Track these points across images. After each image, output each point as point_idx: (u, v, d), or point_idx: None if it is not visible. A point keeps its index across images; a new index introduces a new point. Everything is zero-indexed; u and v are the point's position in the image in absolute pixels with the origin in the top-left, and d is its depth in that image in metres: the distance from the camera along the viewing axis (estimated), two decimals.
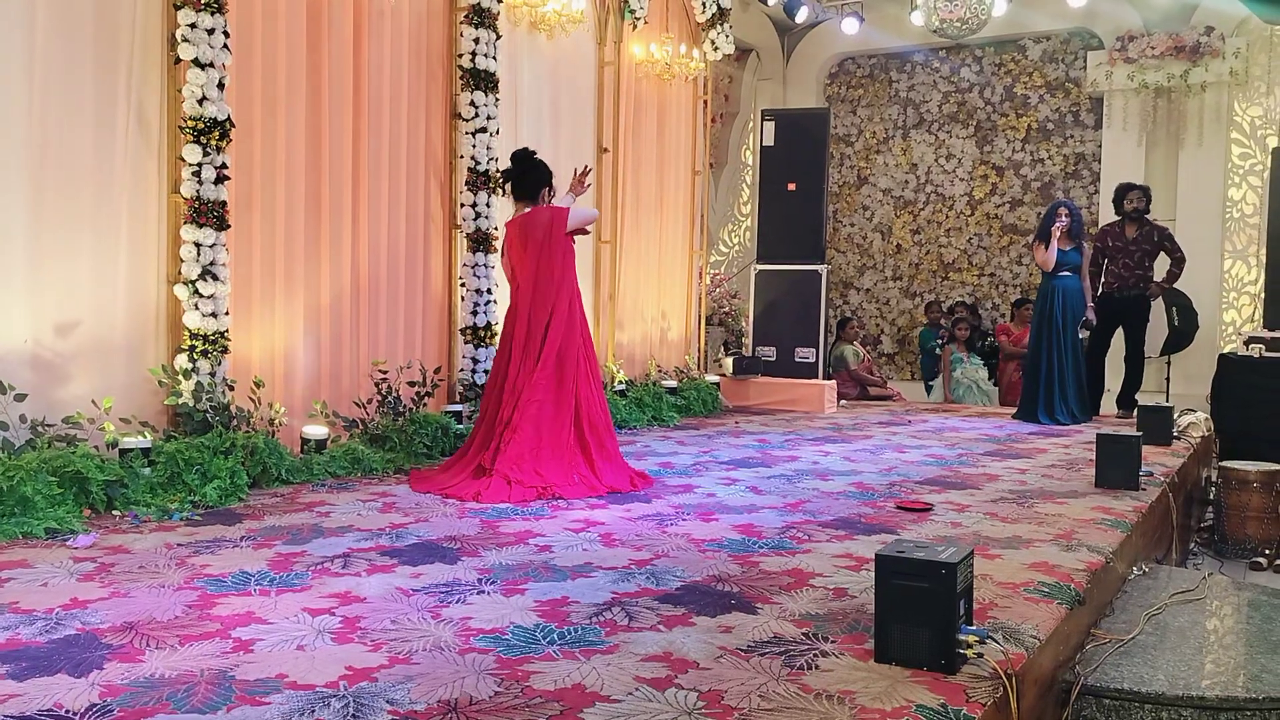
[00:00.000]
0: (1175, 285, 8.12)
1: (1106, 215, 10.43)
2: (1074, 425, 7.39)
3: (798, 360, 8.60)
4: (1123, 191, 7.90)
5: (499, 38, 5.98)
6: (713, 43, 8.38)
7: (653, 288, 8.07)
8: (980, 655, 2.26)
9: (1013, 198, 11.51)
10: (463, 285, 5.92)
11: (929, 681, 2.17)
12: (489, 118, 5.92)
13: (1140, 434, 5.06)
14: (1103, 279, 7.94)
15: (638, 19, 7.44)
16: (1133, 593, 3.60)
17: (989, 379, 9.83)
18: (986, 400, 9.60)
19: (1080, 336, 7.65)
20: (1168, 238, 7.88)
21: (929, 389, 10.36)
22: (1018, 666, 2.28)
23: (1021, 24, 10.85)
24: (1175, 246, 7.86)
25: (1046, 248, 7.42)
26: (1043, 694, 2.53)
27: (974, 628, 2.33)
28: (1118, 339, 8.01)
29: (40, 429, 3.84)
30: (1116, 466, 4.73)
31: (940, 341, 10.23)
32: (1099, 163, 10.85)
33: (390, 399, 5.32)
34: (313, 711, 1.98)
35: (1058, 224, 7.39)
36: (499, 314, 6.04)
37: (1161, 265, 7.91)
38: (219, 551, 3.28)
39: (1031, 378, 7.65)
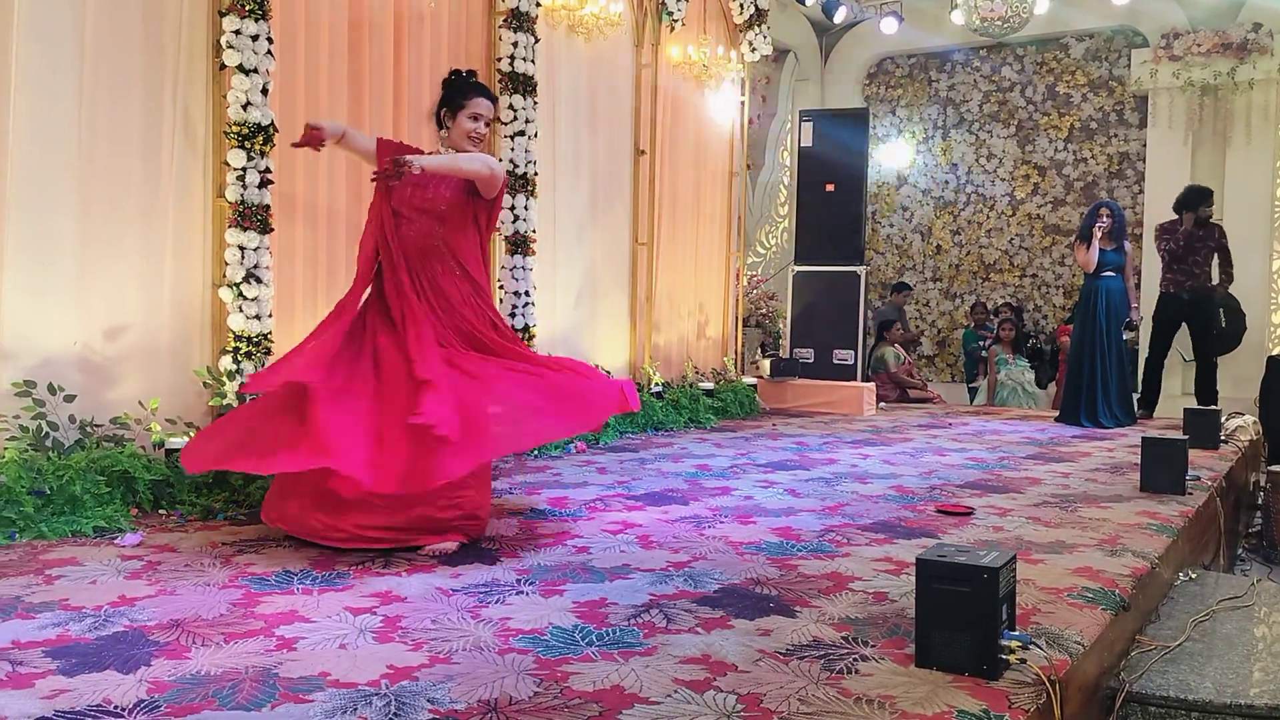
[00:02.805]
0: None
1: (1151, 215, 10.31)
2: (1118, 428, 7.29)
3: (836, 362, 8.56)
4: (1203, 197, 7.77)
5: (537, 41, 6.01)
6: (750, 44, 8.37)
7: (689, 289, 8.07)
8: (1023, 661, 2.24)
9: (1055, 198, 11.38)
10: (501, 288, 5.95)
11: (971, 687, 2.15)
12: (527, 121, 5.94)
13: (1187, 437, 4.98)
14: (1166, 279, 7.83)
15: (675, 21, 7.44)
16: (1179, 599, 3.54)
17: (1035, 381, 9.72)
18: (1033, 403, 9.49)
19: (1124, 338, 7.55)
20: (1224, 237, 7.78)
21: (972, 392, 10.26)
22: (1061, 673, 2.26)
23: (1064, 22, 10.73)
24: (1228, 250, 7.76)
25: (1088, 248, 7.32)
26: (1087, 701, 2.50)
27: (1017, 633, 2.30)
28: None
29: (89, 429, 3.91)
30: (1162, 470, 4.65)
31: (983, 343, 10.14)
32: (1143, 162, 10.71)
33: None
34: (355, 709, 2.00)
35: (1099, 224, 7.30)
36: (538, 316, 6.07)
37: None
38: (262, 550, 3.33)
39: (1074, 380, 7.55)
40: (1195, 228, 7.70)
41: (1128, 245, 7.55)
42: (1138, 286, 8.69)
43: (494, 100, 3.87)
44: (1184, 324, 7.86)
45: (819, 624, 2.60)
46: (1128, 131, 10.97)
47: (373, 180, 3.70)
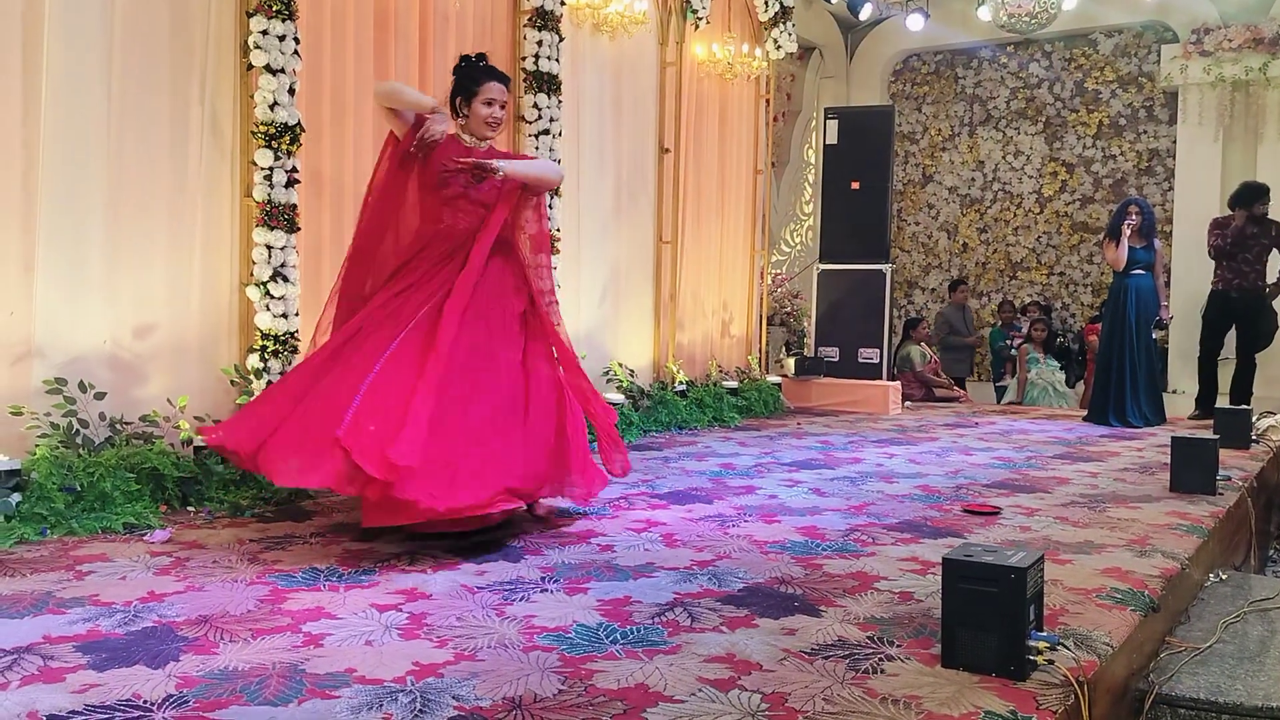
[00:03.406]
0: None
1: (1181, 212, 10.21)
2: (1147, 428, 7.21)
3: (861, 361, 8.52)
4: (1257, 194, 7.66)
5: (562, 40, 6.02)
6: (775, 41, 8.34)
7: (713, 288, 8.06)
8: (1051, 662, 2.22)
9: (1083, 195, 11.28)
10: None
11: (998, 688, 2.14)
12: (552, 120, 5.95)
13: (1217, 437, 4.92)
14: (1217, 276, 7.75)
15: (700, 19, 7.43)
16: (1209, 600, 3.50)
17: (1066, 381, 9.63)
18: (1063, 402, 9.41)
19: (1154, 337, 7.48)
20: None
21: (999, 390, 10.19)
22: (1090, 674, 2.24)
23: (1092, 18, 10.62)
24: None
25: (1117, 246, 7.25)
26: (1115, 702, 2.48)
27: (1044, 634, 2.29)
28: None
29: (119, 427, 3.95)
30: (1193, 470, 4.60)
31: (1010, 342, 10.06)
32: (1173, 159, 10.59)
33: None
34: (381, 706, 2.01)
35: (1128, 221, 7.23)
36: (562, 314, 6.06)
37: (1273, 264, 7.71)
38: (289, 547, 3.35)
39: (1102, 379, 7.48)
40: (1248, 224, 7.59)
41: (1157, 243, 7.47)
42: (1167, 285, 8.61)
43: (506, 81, 3.77)
44: (1234, 322, 7.77)
45: (844, 623, 2.59)
46: (1157, 128, 10.86)
47: (446, 174, 3.61)
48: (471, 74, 3.71)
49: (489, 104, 3.67)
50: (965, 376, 10.43)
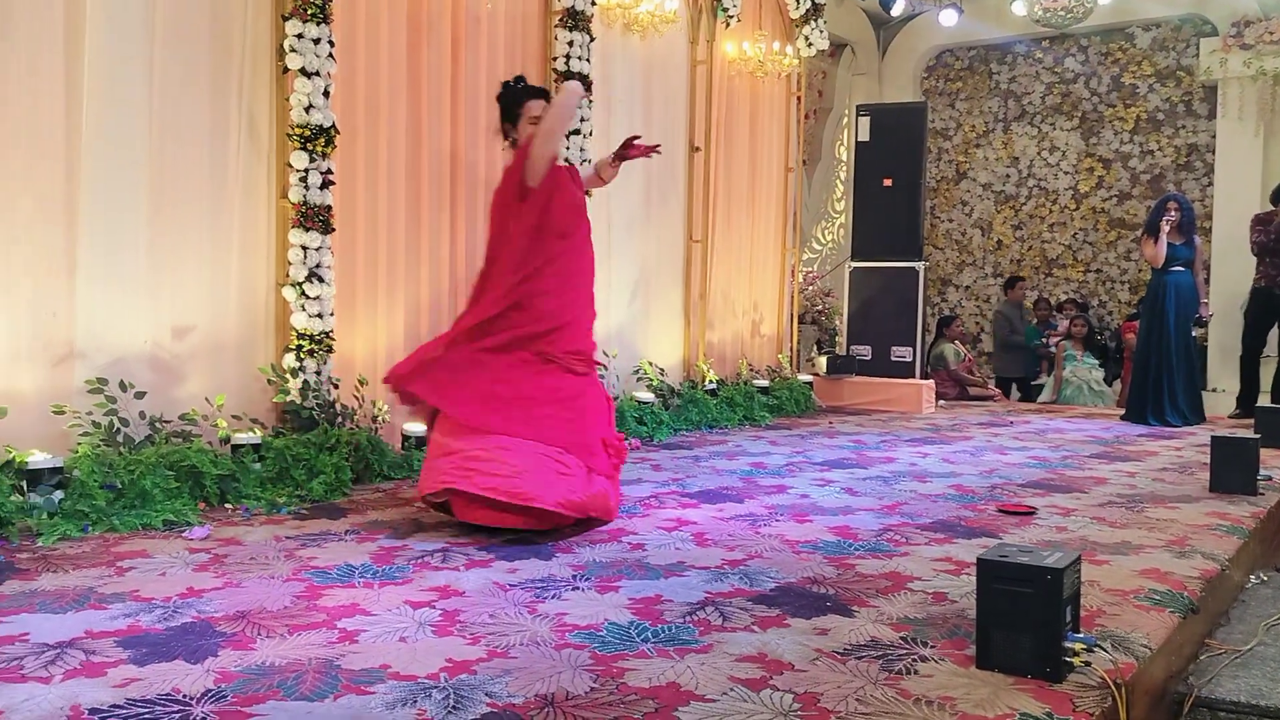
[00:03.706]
0: None
1: (1221, 208, 10.05)
2: (1186, 427, 7.12)
3: (894, 359, 8.46)
4: None
5: (593, 40, 6.03)
6: (806, 39, 8.31)
7: (744, 286, 8.04)
8: (1088, 664, 2.20)
9: (1120, 191, 11.14)
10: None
11: (1033, 689, 2.12)
12: (582, 119, 5.97)
13: (1259, 436, 4.85)
14: (1259, 273, 7.63)
15: (730, 17, 7.42)
16: (1250, 602, 3.45)
17: (1104, 379, 9.50)
18: (1100, 401, 9.29)
19: (1194, 334, 7.37)
20: None
21: (1035, 389, 10.08)
22: (1127, 676, 2.21)
23: (1129, 11, 10.49)
24: None
25: (1156, 242, 7.16)
26: (1154, 705, 2.45)
27: (1081, 635, 2.26)
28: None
29: (158, 425, 4.01)
30: (1233, 470, 4.54)
31: (1046, 340, 9.95)
32: (1212, 154, 10.43)
33: None
34: (415, 702, 2.03)
35: (1167, 218, 7.13)
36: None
37: None
38: (325, 545, 3.39)
39: (1140, 378, 7.39)
40: None
41: (1196, 239, 7.36)
42: (1206, 281, 8.47)
43: (546, 96, 3.96)
44: (1276, 320, 7.65)
45: (877, 624, 2.58)
46: (1196, 123, 10.70)
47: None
48: (513, 98, 3.93)
49: (533, 121, 3.84)
50: (1021, 377, 10.20)
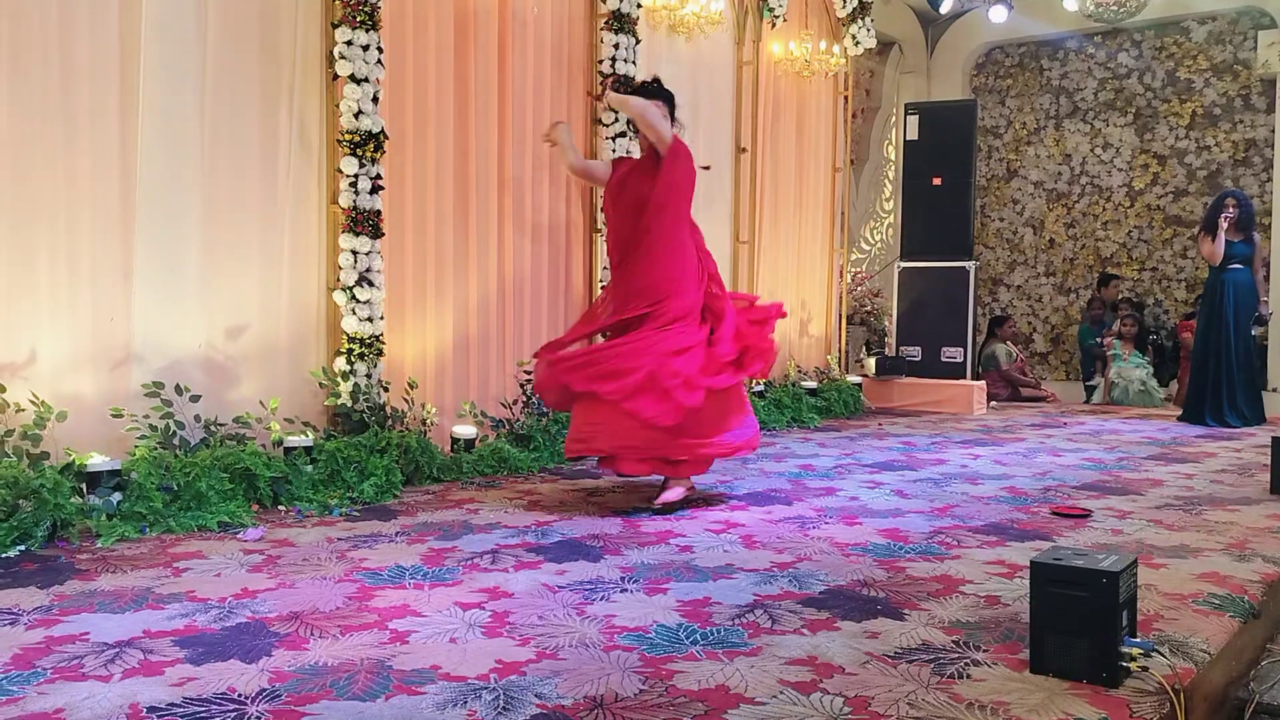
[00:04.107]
0: None
1: (1279, 204, 9.81)
2: (1245, 428, 6.95)
3: (945, 360, 8.37)
4: None
5: (638, 42, 6.04)
6: (854, 37, 8.25)
7: (792, 287, 8.00)
8: (1145, 669, 2.16)
9: (1176, 188, 10.91)
10: (602, 288, 5.99)
11: (1089, 695, 2.09)
12: (628, 122, 5.97)
13: None
14: None
15: (776, 17, 7.39)
16: None
17: (1152, 377, 9.30)
18: (1146, 401, 9.11)
19: (1253, 333, 7.20)
20: None
21: (1089, 390, 9.91)
22: (1186, 682, 2.17)
23: (1184, 4, 10.28)
24: None
25: (1214, 240, 7.01)
26: (1213, 711, 2.39)
27: (1138, 640, 2.22)
28: None
29: (213, 428, 4.08)
30: None
31: (1100, 340, 9.78)
32: (1271, 149, 10.17)
33: (534, 400, 5.44)
34: (465, 703, 2.04)
35: (1225, 215, 6.98)
36: None
37: None
38: (376, 546, 3.42)
39: (1198, 378, 7.24)
40: None
41: (1256, 236, 7.20)
42: (1266, 279, 8.27)
43: (667, 100, 4.26)
44: None
45: (928, 627, 2.55)
46: (1254, 117, 10.45)
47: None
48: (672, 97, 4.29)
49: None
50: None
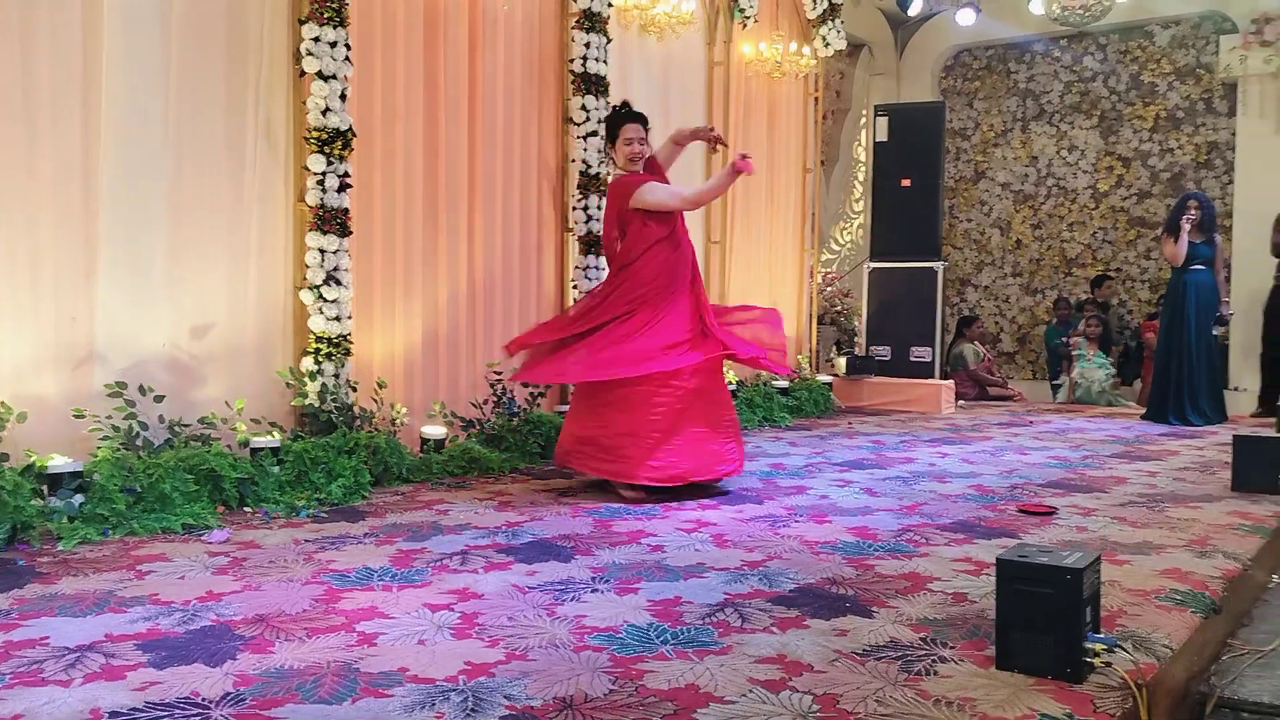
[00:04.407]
0: None
1: (1242, 206, 9.97)
2: (1207, 426, 7.06)
3: (913, 360, 8.43)
4: None
5: (609, 41, 6.03)
6: (824, 39, 8.29)
7: (763, 287, 8.02)
8: (1108, 664, 2.18)
9: (1140, 189, 11.06)
10: (574, 288, 5.99)
11: (1054, 690, 2.10)
12: (600, 121, 5.97)
13: None
14: (1277, 271, 7.57)
15: (747, 18, 7.41)
16: (1273, 602, 3.41)
17: (1112, 378, 9.39)
18: (1106, 401, 9.21)
19: (1215, 333, 7.31)
20: None
21: (1055, 389, 10.02)
22: (1149, 677, 2.19)
23: (1148, 9, 10.42)
24: None
25: (1176, 241, 7.11)
26: (1175, 706, 2.42)
27: (1102, 636, 2.24)
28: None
29: (177, 429, 4.03)
30: (1255, 469, 4.50)
31: (1066, 340, 9.89)
32: (1233, 152, 10.34)
33: (505, 400, 5.42)
34: (433, 705, 2.03)
35: (1188, 216, 7.08)
36: None
37: None
38: (344, 547, 3.39)
39: (1161, 377, 7.34)
40: None
41: (1217, 237, 7.31)
42: (1227, 280, 8.39)
43: (643, 121, 4.53)
44: None
45: (896, 624, 2.57)
46: (1216, 120, 10.61)
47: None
48: (613, 121, 4.58)
49: (628, 142, 4.49)
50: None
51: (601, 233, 4.79)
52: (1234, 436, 4.67)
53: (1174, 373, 7.22)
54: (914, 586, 2.93)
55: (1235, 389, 9.41)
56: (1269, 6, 9.84)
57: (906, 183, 8.54)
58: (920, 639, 2.45)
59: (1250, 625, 3.15)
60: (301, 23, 4.41)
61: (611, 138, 4.57)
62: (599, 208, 6.00)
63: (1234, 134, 10.32)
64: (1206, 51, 10.60)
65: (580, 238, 5.98)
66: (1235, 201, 10.18)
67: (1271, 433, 5.00)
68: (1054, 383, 10.12)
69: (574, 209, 5.99)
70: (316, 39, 4.40)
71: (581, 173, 5.94)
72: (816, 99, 8.67)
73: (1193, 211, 7.10)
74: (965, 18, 10.32)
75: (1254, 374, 8.03)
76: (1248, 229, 9.62)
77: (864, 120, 11.62)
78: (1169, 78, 10.84)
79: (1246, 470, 4.53)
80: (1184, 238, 7.07)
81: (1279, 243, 7.54)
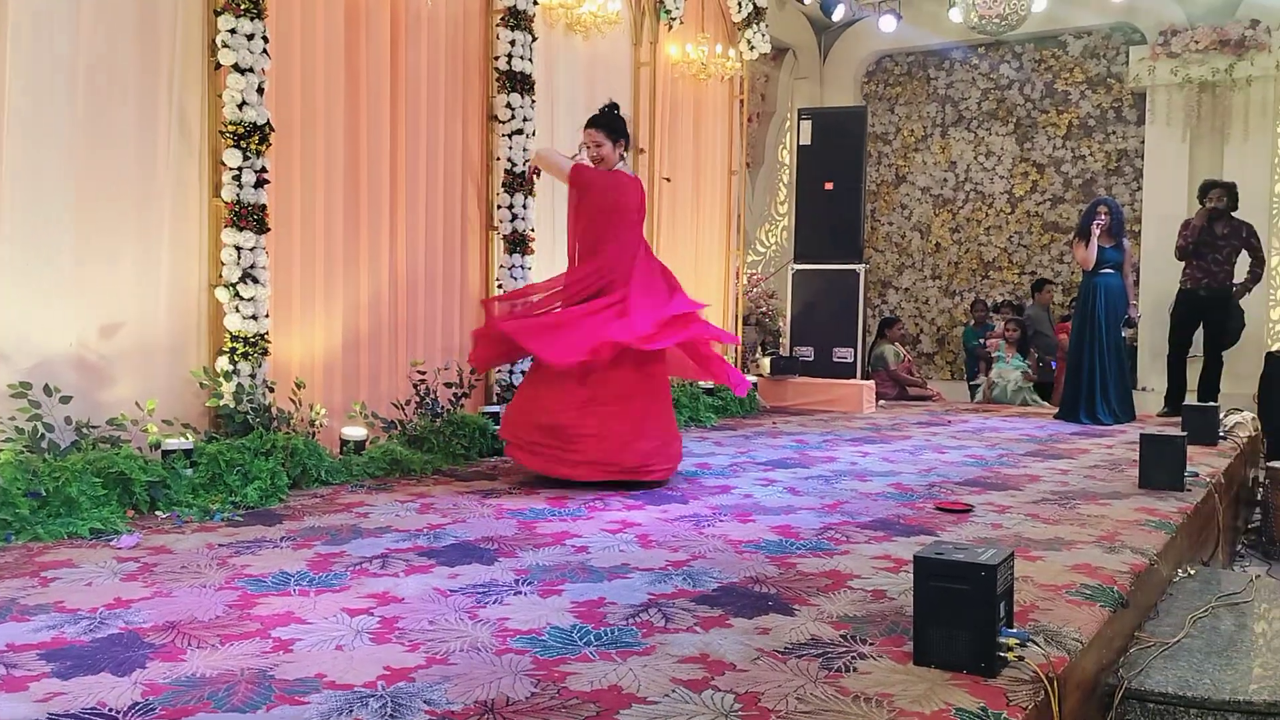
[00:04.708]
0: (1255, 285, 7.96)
1: (1149, 212, 10.32)
2: (1116, 425, 7.28)
3: (836, 360, 8.55)
4: (1203, 190, 7.81)
5: (535, 40, 6.00)
6: (749, 42, 8.36)
7: (689, 287, 7.98)
8: (1021, 658, 2.23)
9: (1054, 195, 11.37)
10: (499, 287, 5.94)
11: (969, 684, 2.15)
12: (525, 119, 5.94)
13: (1185, 434, 4.97)
14: (1185, 274, 7.83)
15: (673, 19, 7.43)
16: (1178, 596, 3.53)
17: (1025, 380, 9.62)
18: (1020, 401, 9.44)
19: (1123, 335, 7.54)
20: (1254, 235, 7.75)
21: (973, 390, 10.24)
22: (1059, 670, 2.25)
23: (1062, 19, 10.72)
24: (1259, 245, 7.74)
25: (1087, 245, 7.32)
26: (1085, 698, 2.49)
27: (1014, 630, 2.30)
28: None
29: (85, 431, 3.90)
30: (1161, 467, 4.64)
31: (983, 342, 10.11)
32: (1142, 159, 10.70)
33: (428, 400, 5.35)
34: (351, 711, 2.00)
35: (1098, 221, 7.30)
36: None
37: (1243, 264, 7.79)
38: (259, 552, 3.32)
39: (1073, 377, 7.55)
40: (1210, 223, 7.68)
41: (1126, 242, 7.55)
42: (1136, 284, 8.66)
43: (595, 123, 4.84)
44: (1202, 320, 7.86)
45: (817, 622, 2.60)
46: (1126, 129, 10.96)
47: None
48: (587, 122, 4.92)
49: (584, 145, 4.89)
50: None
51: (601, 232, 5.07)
52: (1141, 436, 4.82)
53: (1085, 373, 7.43)
54: (835, 584, 2.97)
55: (1143, 389, 9.74)
56: (1176, 19, 10.21)
57: (829, 186, 8.65)
58: (840, 636, 2.48)
59: (1156, 618, 3.26)
60: (217, 14, 4.30)
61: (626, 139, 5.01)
62: (525, 206, 5.97)
63: (1143, 142, 10.67)
64: (1117, 62, 10.95)
65: (505, 236, 5.94)
66: (1143, 207, 10.53)
67: (1176, 432, 5.17)
68: (972, 383, 10.35)
69: (499, 207, 5.94)
70: (233, 31, 4.29)
71: (506, 170, 5.90)
72: (742, 101, 8.74)
73: (1103, 217, 7.31)
74: (887, 24, 10.51)
75: (1161, 375, 8.31)
76: (1155, 234, 9.96)
77: (788, 124, 11.75)
78: (1081, 86, 11.17)
79: (1152, 468, 4.67)
80: (1094, 242, 7.29)
81: (1181, 246, 7.80)
